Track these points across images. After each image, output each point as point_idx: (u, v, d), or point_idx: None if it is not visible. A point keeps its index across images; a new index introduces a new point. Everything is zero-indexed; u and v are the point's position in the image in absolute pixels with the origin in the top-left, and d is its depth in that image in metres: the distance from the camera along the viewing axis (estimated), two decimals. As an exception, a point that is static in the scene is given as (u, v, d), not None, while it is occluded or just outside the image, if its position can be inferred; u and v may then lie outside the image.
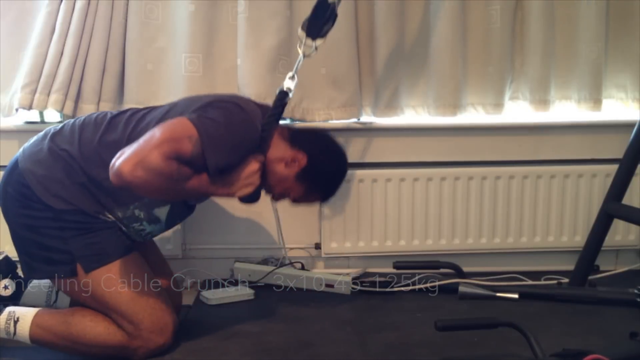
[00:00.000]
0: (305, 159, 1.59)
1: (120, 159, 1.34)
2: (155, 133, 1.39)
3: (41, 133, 1.60)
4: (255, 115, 1.54)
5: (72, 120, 1.61)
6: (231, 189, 1.49)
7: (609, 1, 2.11)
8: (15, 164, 1.54)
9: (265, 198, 2.04)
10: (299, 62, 1.71)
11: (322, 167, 1.63)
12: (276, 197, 1.65)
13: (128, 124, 1.53)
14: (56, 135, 1.56)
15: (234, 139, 1.46)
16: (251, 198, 1.57)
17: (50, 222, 1.48)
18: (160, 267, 1.77)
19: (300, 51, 1.72)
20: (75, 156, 1.51)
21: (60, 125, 1.61)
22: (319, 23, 1.71)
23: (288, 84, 1.66)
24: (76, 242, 1.48)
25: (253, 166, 1.50)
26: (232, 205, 2.14)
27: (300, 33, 1.72)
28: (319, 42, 1.73)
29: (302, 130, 1.68)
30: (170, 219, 1.62)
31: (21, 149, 1.59)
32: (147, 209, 1.55)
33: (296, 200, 1.65)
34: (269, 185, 1.61)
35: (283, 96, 1.64)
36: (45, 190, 1.48)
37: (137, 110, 1.60)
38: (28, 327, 1.50)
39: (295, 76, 1.68)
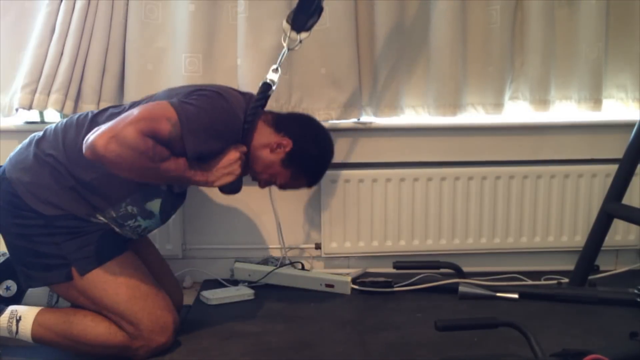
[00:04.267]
0: (290, 144, 1.58)
1: (94, 134, 1.33)
2: (133, 112, 1.39)
3: (26, 140, 1.60)
4: (238, 103, 1.54)
5: (54, 124, 1.61)
6: (209, 177, 1.48)
7: (609, 1, 2.11)
8: (2, 173, 1.53)
9: (262, 197, 2.05)
10: (283, 55, 1.72)
11: (307, 151, 1.62)
12: (262, 184, 1.64)
13: (110, 120, 1.51)
14: (40, 141, 1.55)
15: (214, 126, 1.46)
16: (231, 188, 1.55)
17: (42, 229, 1.48)
18: (160, 266, 1.77)
19: (284, 44, 1.72)
20: (62, 160, 1.50)
21: (42, 131, 1.60)
22: (304, 16, 1.71)
23: (271, 76, 1.66)
24: (69, 246, 1.48)
25: (233, 155, 1.49)
26: (232, 205, 2.14)
27: (285, 26, 1.72)
28: (303, 35, 1.73)
29: (286, 115, 1.68)
30: (164, 211, 1.62)
31: (8, 158, 1.58)
32: (139, 203, 1.55)
33: (283, 186, 1.65)
34: (255, 172, 1.61)
35: (266, 88, 1.64)
36: (34, 198, 1.48)
37: (118, 107, 1.60)
38: (30, 325, 1.50)
39: (279, 69, 1.68)
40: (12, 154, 1.59)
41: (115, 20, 1.98)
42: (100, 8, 1.94)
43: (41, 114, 2.08)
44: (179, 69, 2.02)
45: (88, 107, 1.97)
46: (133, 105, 1.57)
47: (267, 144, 1.58)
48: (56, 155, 1.51)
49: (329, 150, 1.72)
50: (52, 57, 1.91)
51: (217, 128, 1.47)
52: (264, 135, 1.58)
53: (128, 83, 2.03)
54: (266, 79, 1.66)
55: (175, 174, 1.43)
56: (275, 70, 1.68)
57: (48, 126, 1.61)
